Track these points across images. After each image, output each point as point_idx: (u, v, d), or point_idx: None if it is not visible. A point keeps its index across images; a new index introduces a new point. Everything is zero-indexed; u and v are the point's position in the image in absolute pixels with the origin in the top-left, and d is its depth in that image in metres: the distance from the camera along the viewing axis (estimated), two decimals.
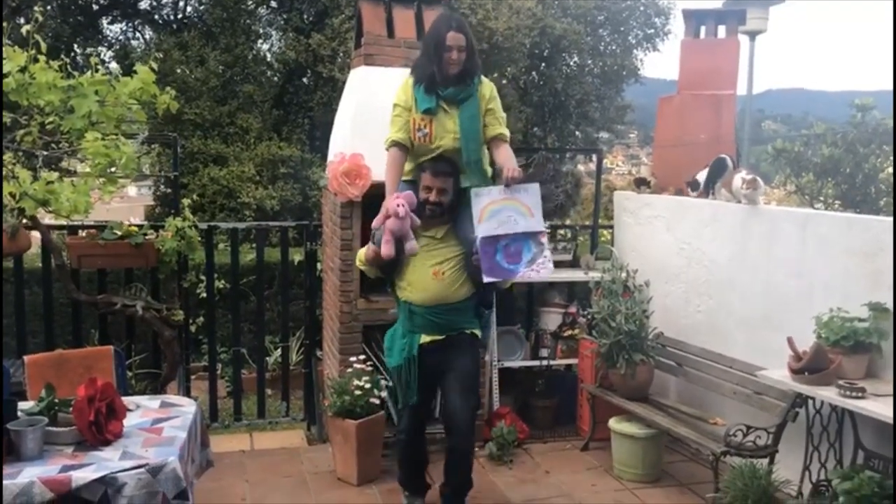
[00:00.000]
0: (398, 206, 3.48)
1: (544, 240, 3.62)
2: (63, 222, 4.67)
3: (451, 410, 3.67)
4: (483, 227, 3.54)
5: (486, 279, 3.55)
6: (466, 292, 3.74)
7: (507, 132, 3.78)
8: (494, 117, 3.73)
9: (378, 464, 4.49)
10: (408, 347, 3.73)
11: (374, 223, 3.59)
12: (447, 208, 3.69)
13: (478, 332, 3.85)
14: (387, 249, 3.52)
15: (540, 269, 3.57)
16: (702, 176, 4.95)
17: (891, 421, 3.11)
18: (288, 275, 5.56)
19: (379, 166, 4.41)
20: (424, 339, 3.72)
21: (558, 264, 5.44)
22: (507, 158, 3.65)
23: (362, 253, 3.82)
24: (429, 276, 3.67)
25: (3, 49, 3.64)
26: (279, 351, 6.06)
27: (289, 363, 5.74)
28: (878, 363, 3.57)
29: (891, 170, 6.29)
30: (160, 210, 11.56)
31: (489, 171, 3.80)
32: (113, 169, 3.99)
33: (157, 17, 14.79)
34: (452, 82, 3.65)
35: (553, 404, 5.35)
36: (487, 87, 3.75)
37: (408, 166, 3.81)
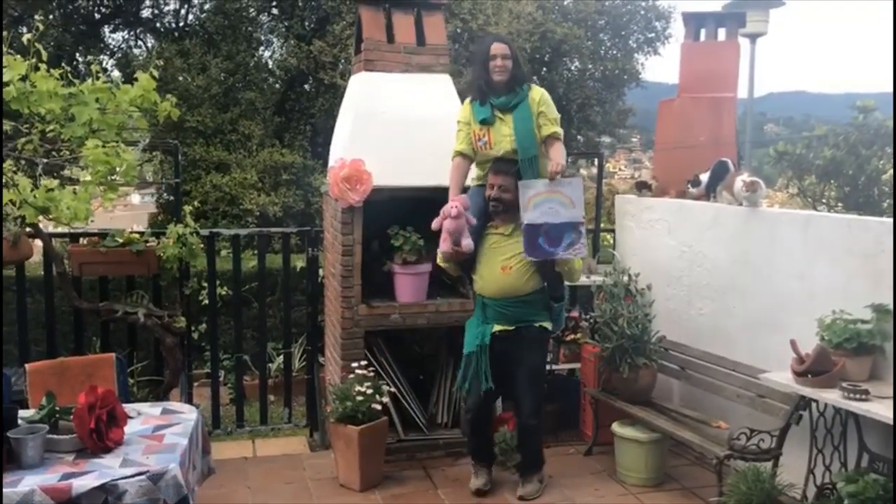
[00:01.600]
0: (452, 207, 3.95)
1: (583, 228, 4.01)
2: (64, 230, 4.67)
3: (520, 397, 4.16)
4: (528, 216, 3.95)
5: (527, 258, 3.99)
6: (535, 285, 4.11)
7: (559, 130, 4.15)
8: (547, 119, 4.12)
9: (381, 470, 4.47)
10: (480, 336, 4.11)
11: (434, 225, 4.02)
12: (509, 205, 4.06)
13: (547, 324, 4.21)
14: (445, 247, 4.03)
15: (576, 252, 4.00)
16: (704, 176, 4.94)
17: (893, 423, 3.09)
18: (290, 281, 5.56)
19: (379, 171, 4.45)
20: (496, 328, 4.11)
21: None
22: (557, 154, 4.05)
23: (440, 252, 4.20)
24: (498, 270, 4.09)
25: (4, 58, 3.65)
26: (281, 357, 6.07)
27: (291, 369, 5.73)
28: (882, 365, 3.56)
29: (892, 171, 6.26)
30: (163, 217, 11.59)
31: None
32: (114, 176, 4.00)
33: (158, 25, 14.85)
34: (503, 91, 4.09)
35: (556, 409, 5.32)
36: (537, 91, 4.16)
37: (479, 172, 4.28)
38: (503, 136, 4.09)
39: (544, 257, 3.99)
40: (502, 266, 4.08)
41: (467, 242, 4.01)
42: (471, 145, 4.16)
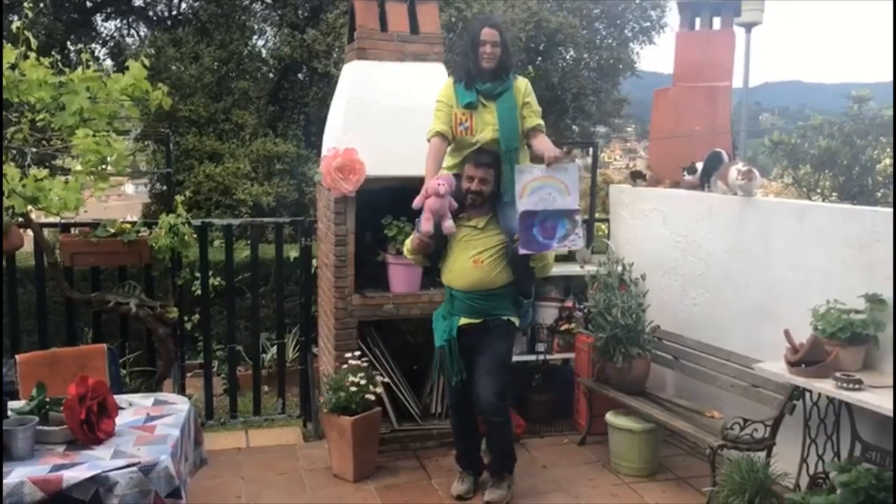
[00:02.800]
0: (439, 185, 3.77)
1: (578, 217, 3.91)
2: (56, 220, 4.64)
3: (477, 389, 3.95)
4: (524, 202, 3.83)
5: (521, 251, 3.83)
6: (504, 279, 3.99)
7: (542, 123, 4.07)
8: (531, 110, 4.04)
9: (374, 460, 4.47)
10: (448, 329, 4.01)
11: (416, 203, 3.85)
12: (488, 198, 3.96)
13: (514, 319, 4.07)
14: (426, 226, 3.82)
15: (571, 243, 3.91)
16: (700, 164, 4.93)
17: (888, 413, 3.10)
18: (283, 271, 5.54)
19: (373, 160, 4.42)
20: (463, 321, 4.00)
21: (555, 258, 5.43)
22: (545, 144, 3.95)
23: (408, 242, 4.09)
24: (469, 264, 3.96)
25: None
26: (275, 348, 6.04)
27: (284, 360, 5.71)
28: (875, 355, 3.56)
29: (888, 161, 6.26)
30: (156, 207, 11.53)
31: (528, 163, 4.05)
32: (105, 166, 3.97)
33: (151, 13, 14.75)
34: (489, 77, 3.98)
35: (550, 399, 5.33)
36: (523, 82, 4.07)
37: (452, 160, 4.10)
38: (486, 124, 3.97)
39: (539, 250, 3.88)
40: (474, 259, 3.95)
41: (449, 224, 3.84)
42: (450, 126, 4.00)
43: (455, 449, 4.29)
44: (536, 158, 4.01)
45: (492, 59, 3.94)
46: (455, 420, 4.21)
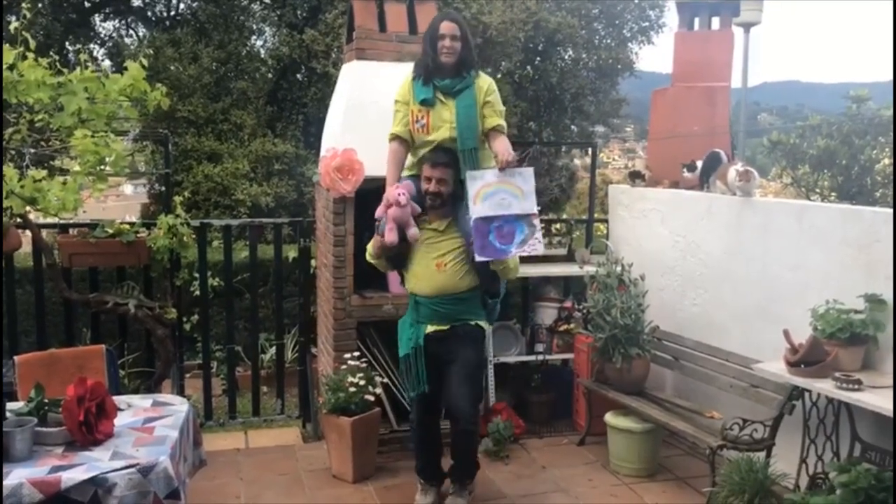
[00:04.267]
0: (399, 194, 3.67)
1: (536, 221, 3.75)
2: (54, 221, 4.64)
3: (453, 399, 3.81)
4: (478, 209, 3.67)
5: (477, 258, 3.68)
6: (470, 283, 3.86)
7: (504, 124, 3.89)
8: (493, 109, 3.86)
9: (373, 461, 4.47)
10: (414, 337, 3.85)
11: (377, 213, 3.77)
12: (447, 199, 3.83)
13: (483, 323, 3.96)
14: (391, 237, 3.71)
15: (530, 248, 3.72)
16: (700, 163, 4.93)
17: (887, 413, 3.10)
18: (282, 272, 5.54)
19: (371, 161, 4.41)
20: (430, 328, 3.85)
21: (553, 259, 5.43)
22: (502, 146, 3.78)
23: (370, 247, 3.96)
24: (432, 268, 3.82)
25: None
26: (274, 348, 6.03)
27: (283, 360, 5.71)
28: (875, 355, 3.56)
29: (887, 160, 6.27)
30: (155, 208, 11.52)
31: (492, 165, 3.84)
32: (103, 167, 3.96)
33: (149, 13, 14.74)
34: (448, 73, 3.82)
35: (549, 399, 5.32)
36: (486, 80, 3.91)
37: (410, 160, 3.98)
38: (443, 122, 3.82)
39: (496, 257, 3.70)
40: (437, 263, 3.81)
41: (413, 231, 3.74)
42: (408, 127, 3.87)
43: (417, 461, 4.10)
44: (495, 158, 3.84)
45: (451, 53, 3.79)
46: (420, 433, 4.02)
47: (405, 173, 3.98)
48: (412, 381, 3.87)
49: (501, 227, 3.68)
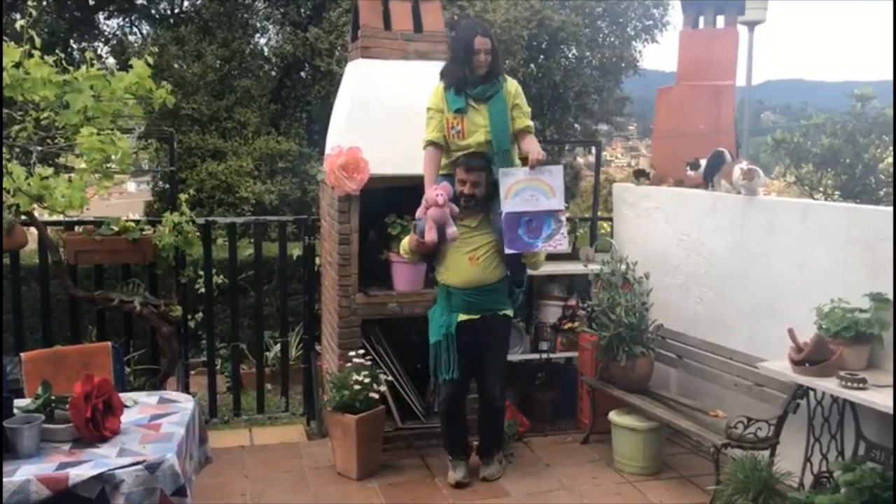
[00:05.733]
0: (437, 195, 3.87)
1: (563, 217, 4.00)
2: (60, 218, 4.65)
3: (487, 382, 4.24)
4: (509, 204, 3.93)
5: (507, 250, 3.95)
6: (500, 274, 4.14)
7: (531, 124, 4.17)
8: (521, 111, 4.13)
9: (378, 458, 4.48)
10: (446, 325, 4.11)
11: (418, 213, 3.98)
12: (481, 199, 4.06)
13: (509, 312, 4.25)
14: (431, 235, 3.92)
15: (556, 244, 3.98)
16: (704, 161, 4.93)
17: (892, 412, 3.09)
18: (286, 270, 5.54)
19: (377, 159, 4.42)
20: (462, 317, 4.10)
21: (558, 257, 5.43)
22: (532, 145, 4.05)
23: (406, 243, 4.20)
24: (465, 261, 4.08)
25: None
26: (278, 346, 6.04)
27: (288, 358, 5.71)
28: (880, 354, 3.56)
29: (890, 159, 6.26)
30: (159, 205, 11.55)
31: (518, 163, 4.11)
32: (109, 164, 3.97)
33: (153, 11, 14.76)
34: (479, 82, 4.06)
35: (553, 397, 5.33)
36: (513, 84, 4.16)
37: (444, 160, 4.18)
38: (478, 127, 4.07)
39: (524, 249, 3.98)
40: (470, 257, 4.07)
41: (452, 231, 3.95)
42: (443, 133, 4.11)
43: (445, 440, 4.40)
44: (522, 158, 4.08)
45: (485, 66, 4.03)
46: (448, 416, 4.30)
47: (440, 173, 4.18)
48: (443, 366, 4.13)
49: (531, 222, 3.94)
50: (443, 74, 4.15)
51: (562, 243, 3.98)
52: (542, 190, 3.95)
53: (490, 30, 4.20)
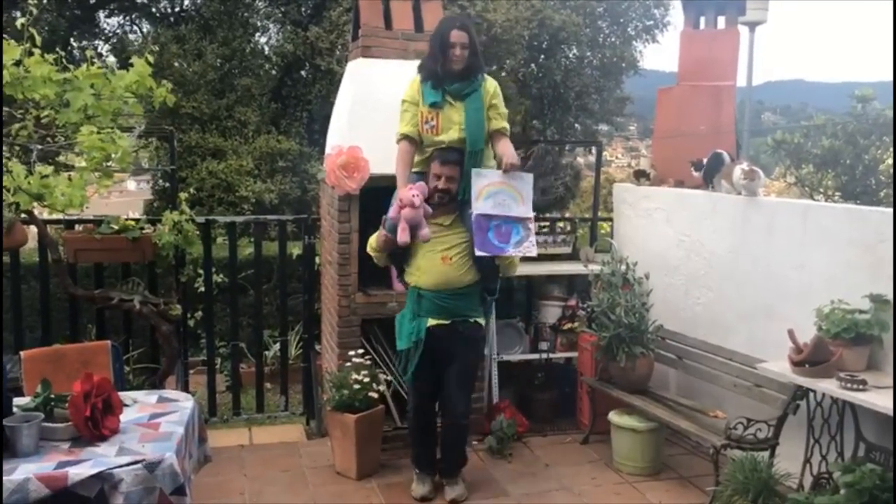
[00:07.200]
0: (413, 196, 3.77)
1: (532, 225, 3.95)
2: (59, 217, 4.64)
3: (449, 397, 4.03)
4: (480, 205, 3.85)
5: (477, 252, 3.84)
6: (472, 278, 3.99)
7: (507, 126, 4.06)
8: (497, 112, 4.03)
9: (377, 458, 4.47)
10: (416, 331, 3.96)
11: (391, 213, 3.88)
12: (454, 196, 3.96)
13: (481, 320, 4.09)
14: (403, 237, 3.81)
15: (526, 249, 3.91)
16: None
17: (892, 413, 3.09)
18: (286, 269, 5.54)
19: (377, 159, 4.41)
20: (431, 322, 3.95)
21: (557, 257, 5.43)
22: (507, 148, 3.97)
23: (373, 240, 4.07)
24: (437, 261, 3.94)
25: None
26: (278, 345, 6.04)
27: (287, 357, 5.71)
28: (879, 355, 3.56)
29: (891, 161, 6.26)
30: (159, 204, 11.55)
31: (493, 165, 4.04)
32: (109, 163, 3.96)
33: (154, 10, 14.75)
34: (457, 78, 3.95)
35: (553, 398, 5.33)
36: (491, 84, 4.05)
37: (418, 157, 4.08)
38: (453, 123, 3.96)
39: (494, 253, 3.87)
40: (442, 256, 3.93)
41: (425, 232, 3.85)
42: (416, 128, 3.99)
43: (413, 450, 4.23)
44: (497, 161, 4.01)
45: (461, 61, 3.91)
46: (417, 422, 4.17)
47: (413, 170, 4.08)
48: (406, 372, 4.04)
49: (500, 227, 3.88)
50: (420, 67, 4.06)
51: (531, 249, 3.91)
52: (513, 195, 3.89)
53: (471, 26, 4.07)
